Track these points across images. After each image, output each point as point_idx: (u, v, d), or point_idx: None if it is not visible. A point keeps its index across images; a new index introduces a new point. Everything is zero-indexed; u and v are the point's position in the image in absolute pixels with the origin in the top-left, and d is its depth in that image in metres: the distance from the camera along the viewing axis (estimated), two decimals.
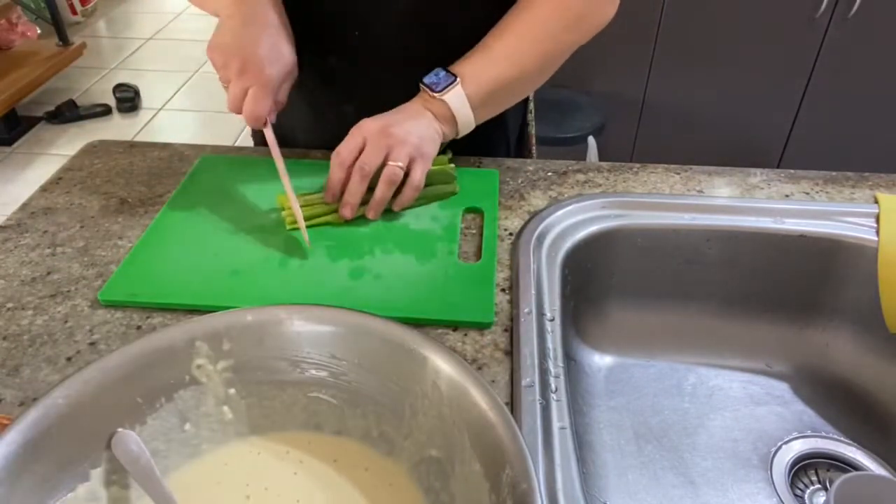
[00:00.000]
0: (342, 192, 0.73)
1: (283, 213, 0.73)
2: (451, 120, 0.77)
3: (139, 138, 2.77)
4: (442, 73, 0.77)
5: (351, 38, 0.82)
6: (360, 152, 0.72)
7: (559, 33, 0.79)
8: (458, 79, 0.75)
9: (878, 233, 0.74)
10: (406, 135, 0.72)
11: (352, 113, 0.75)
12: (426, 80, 0.77)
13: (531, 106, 0.99)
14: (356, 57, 0.82)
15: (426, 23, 0.82)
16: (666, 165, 0.85)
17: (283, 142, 0.79)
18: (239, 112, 0.71)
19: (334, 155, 0.73)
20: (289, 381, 0.51)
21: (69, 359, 0.59)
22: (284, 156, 0.87)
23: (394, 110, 0.76)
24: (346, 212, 0.73)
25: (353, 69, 0.82)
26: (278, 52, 0.70)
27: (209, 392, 0.50)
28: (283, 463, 0.50)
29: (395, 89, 0.79)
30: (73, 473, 0.44)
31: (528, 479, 0.39)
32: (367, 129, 0.72)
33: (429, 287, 0.66)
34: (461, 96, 0.76)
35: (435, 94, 0.75)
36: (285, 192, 0.72)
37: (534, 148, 1.02)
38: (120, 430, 0.47)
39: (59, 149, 2.71)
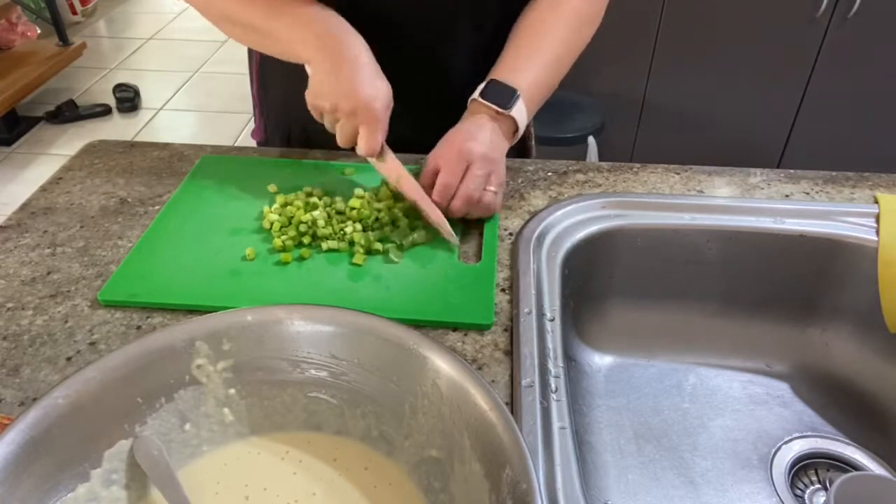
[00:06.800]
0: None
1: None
2: (514, 134, 0.78)
3: (139, 138, 2.77)
4: (499, 87, 0.76)
5: (386, 40, 0.81)
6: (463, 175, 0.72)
7: (586, 27, 0.81)
8: (520, 92, 0.76)
9: (878, 233, 0.74)
10: (498, 161, 0.74)
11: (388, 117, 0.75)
12: (487, 96, 0.76)
13: None
14: (390, 59, 0.82)
15: (460, 23, 0.82)
16: (666, 165, 0.85)
17: (307, 143, 0.79)
18: (349, 147, 0.74)
19: (440, 184, 0.72)
20: (289, 381, 0.51)
21: (69, 359, 0.59)
22: (284, 156, 0.87)
23: (472, 131, 0.74)
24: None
25: (388, 71, 0.83)
26: (377, 87, 0.71)
27: (209, 392, 0.50)
28: (283, 463, 0.50)
29: (428, 89, 0.79)
30: (73, 473, 0.44)
31: (528, 479, 0.39)
32: (471, 155, 0.72)
33: (428, 288, 0.66)
34: (523, 109, 0.76)
35: (503, 112, 0.75)
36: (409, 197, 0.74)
37: (533, 141, 1.02)
38: (142, 434, 0.47)
39: (59, 149, 2.71)
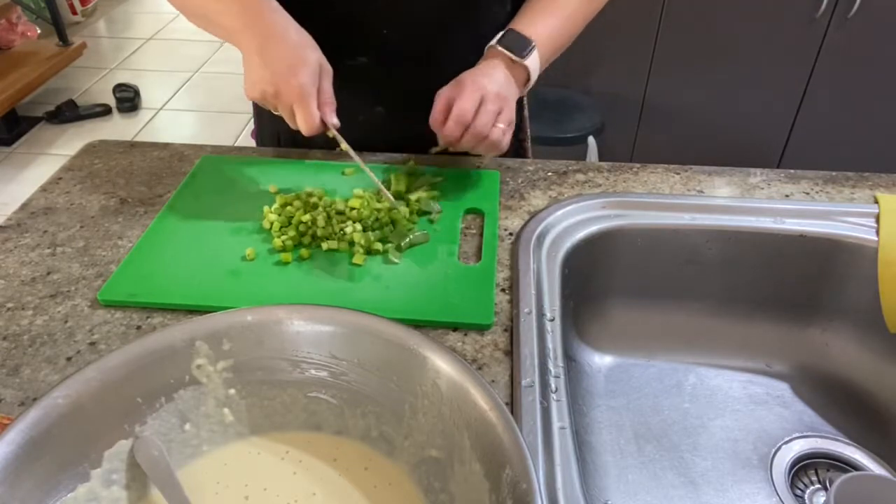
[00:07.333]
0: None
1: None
2: (527, 83, 0.79)
3: (139, 138, 2.77)
4: (517, 36, 0.78)
5: (379, 37, 0.82)
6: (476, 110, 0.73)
7: None
8: (535, 42, 0.77)
9: (878, 233, 0.74)
10: (508, 101, 0.75)
11: (382, 114, 0.75)
12: (503, 43, 0.78)
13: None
14: (385, 55, 0.82)
15: (454, 18, 0.83)
16: (666, 165, 0.85)
17: (304, 142, 0.79)
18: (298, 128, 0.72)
19: (458, 111, 0.72)
20: (289, 381, 0.51)
21: (69, 359, 0.59)
22: (283, 156, 0.87)
23: (486, 71, 0.76)
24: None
25: (383, 69, 0.82)
26: (300, 59, 0.69)
27: (209, 392, 0.50)
28: (283, 463, 0.50)
29: (424, 87, 0.79)
30: (73, 473, 0.44)
31: (528, 479, 0.39)
32: (485, 89, 0.74)
33: (428, 288, 0.66)
34: (537, 60, 0.78)
35: (517, 59, 0.77)
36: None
37: (529, 142, 1.02)
38: (142, 434, 0.47)
39: (59, 149, 2.71)
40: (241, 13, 0.71)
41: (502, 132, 0.73)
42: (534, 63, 0.78)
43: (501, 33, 0.78)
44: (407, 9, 0.81)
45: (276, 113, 0.74)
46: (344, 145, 0.74)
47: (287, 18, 0.72)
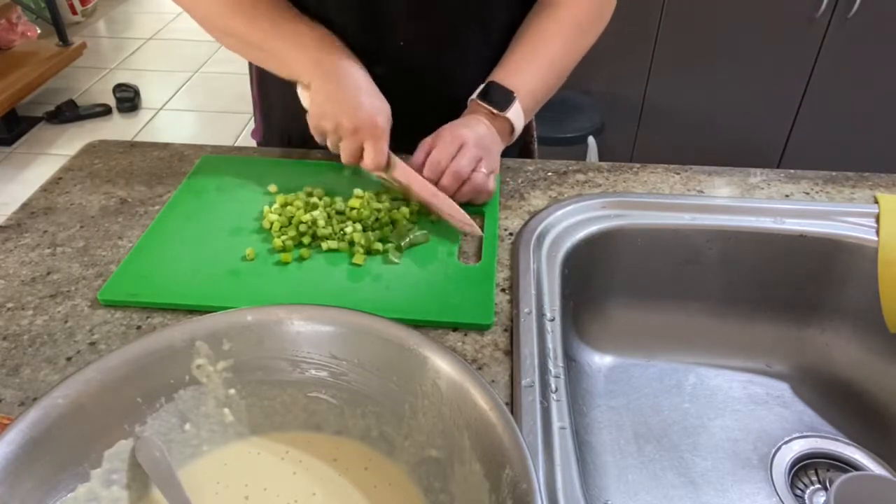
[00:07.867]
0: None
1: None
2: (511, 134, 0.80)
3: (139, 138, 2.77)
4: (497, 89, 0.79)
5: (396, 49, 0.82)
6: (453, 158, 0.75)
7: (585, 37, 0.83)
8: (516, 94, 0.78)
9: (878, 233, 0.74)
10: (491, 151, 0.76)
11: (393, 123, 0.76)
12: (483, 97, 0.79)
13: None
14: (400, 67, 0.83)
15: (469, 29, 0.83)
16: (666, 165, 0.85)
17: (307, 144, 0.79)
18: (354, 163, 0.76)
19: (431, 160, 0.74)
20: (289, 381, 0.51)
21: (69, 359, 0.59)
22: (284, 156, 0.87)
23: (467, 122, 0.77)
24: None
25: (397, 79, 0.83)
26: (378, 104, 0.74)
27: (209, 392, 0.50)
28: (283, 463, 0.50)
29: (435, 100, 0.80)
30: (73, 473, 0.44)
31: (528, 479, 0.39)
32: (463, 137, 0.75)
33: (428, 288, 0.66)
34: (519, 111, 0.79)
35: (498, 113, 0.78)
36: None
37: (536, 143, 1.02)
38: (143, 434, 0.47)
39: (59, 149, 2.71)
40: (307, 50, 0.75)
41: (485, 176, 0.74)
42: (516, 114, 0.78)
43: (483, 86, 0.79)
44: (423, 21, 0.81)
45: (330, 146, 0.76)
46: (418, 184, 0.74)
47: (352, 58, 0.76)
